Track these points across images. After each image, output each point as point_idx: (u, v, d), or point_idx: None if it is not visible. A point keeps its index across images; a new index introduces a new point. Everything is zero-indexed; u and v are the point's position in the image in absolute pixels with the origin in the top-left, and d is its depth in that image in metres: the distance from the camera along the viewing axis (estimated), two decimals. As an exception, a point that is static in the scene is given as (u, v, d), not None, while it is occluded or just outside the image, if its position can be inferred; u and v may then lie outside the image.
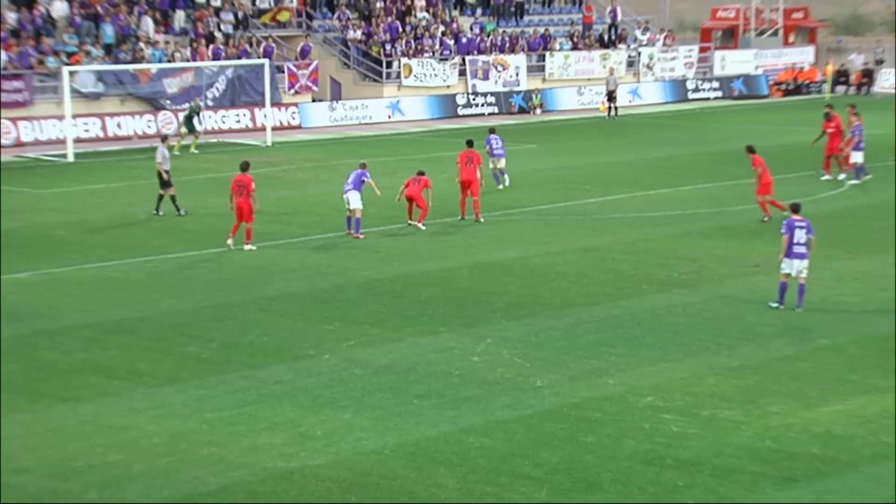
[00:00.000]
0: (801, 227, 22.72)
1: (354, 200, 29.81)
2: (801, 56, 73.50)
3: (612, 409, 17.59)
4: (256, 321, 22.21)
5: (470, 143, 33.14)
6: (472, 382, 18.77)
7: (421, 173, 31.52)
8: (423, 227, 30.71)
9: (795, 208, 23.21)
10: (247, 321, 22.22)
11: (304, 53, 55.72)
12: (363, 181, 30.19)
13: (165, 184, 32.42)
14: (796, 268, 22.72)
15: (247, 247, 28.21)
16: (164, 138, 34.35)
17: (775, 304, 23.03)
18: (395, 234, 30.17)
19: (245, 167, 28.61)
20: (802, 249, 22.65)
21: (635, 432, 16.65)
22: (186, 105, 48.99)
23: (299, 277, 25.66)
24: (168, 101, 50.16)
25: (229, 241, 28.26)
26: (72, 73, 45.31)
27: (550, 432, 16.68)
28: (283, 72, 54.17)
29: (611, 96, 57.93)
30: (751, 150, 32.40)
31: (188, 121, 45.09)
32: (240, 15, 56.28)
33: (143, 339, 21.12)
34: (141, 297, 23.99)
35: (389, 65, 57.71)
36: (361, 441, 16.33)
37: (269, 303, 23.53)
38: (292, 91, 54.47)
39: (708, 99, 65.76)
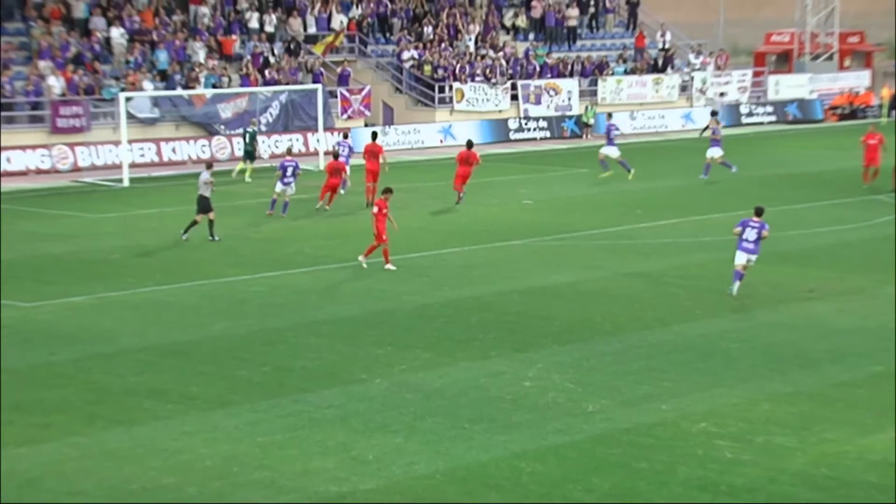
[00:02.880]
0: (754, 228, 25.90)
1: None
2: (857, 80, 72.97)
3: (664, 434, 17.49)
4: (308, 345, 22.28)
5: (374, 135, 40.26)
6: (524, 407, 18.73)
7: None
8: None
9: (758, 211, 26.16)
10: (298, 345, 22.28)
11: (344, 79, 55.79)
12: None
13: (206, 209, 32.36)
14: (743, 259, 25.88)
15: (386, 266, 28.52)
16: (209, 165, 34.19)
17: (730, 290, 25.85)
18: (445, 259, 30.20)
19: (384, 191, 28.90)
20: (751, 246, 25.91)
21: (688, 458, 16.53)
22: (241, 129, 49.42)
23: (350, 301, 25.73)
24: (222, 126, 50.56)
25: (363, 261, 28.71)
26: (128, 99, 45.81)
27: (602, 458, 16.60)
28: (336, 97, 54.46)
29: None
30: (469, 144, 39.17)
31: (250, 144, 44.99)
32: (292, 44, 56.68)
33: (195, 363, 21.23)
34: (194, 321, 24.13)
35: (441, 89, 57.90)
36: (413, 466, 16.31)
37: (321, 327, 23.60)
38: (345, 116, 54.73)
39: (762, 123, 65.40)
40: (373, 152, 38.43)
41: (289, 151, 37.46)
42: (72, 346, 22.29)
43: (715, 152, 43.98)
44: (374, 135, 40.93)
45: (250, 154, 44.55)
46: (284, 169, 35.81)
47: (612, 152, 44.00)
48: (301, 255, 30.54)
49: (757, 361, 21.18)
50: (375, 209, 28.78)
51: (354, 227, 34.64)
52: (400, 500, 15.21)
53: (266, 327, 23.55)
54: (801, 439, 17.31)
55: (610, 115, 47.04)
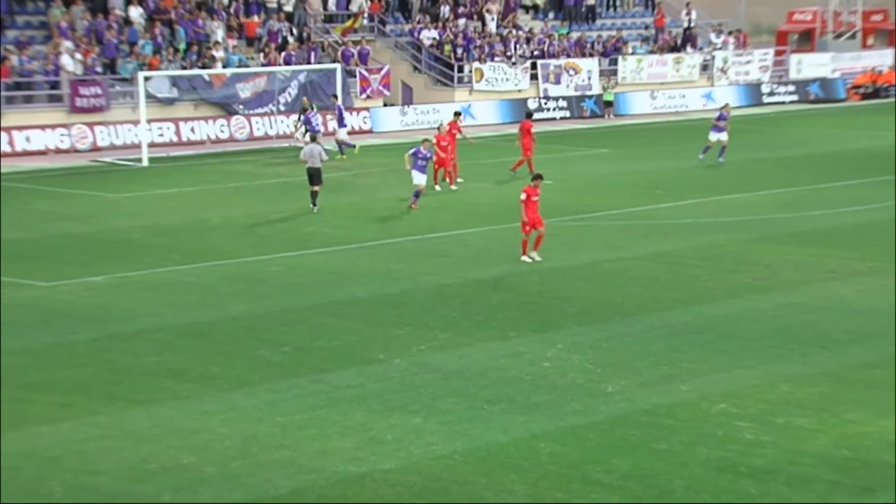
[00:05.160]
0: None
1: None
2: (880, 59, 72.36)
3: (684, 415, 17.42)
4: (327, 325, 22.23)
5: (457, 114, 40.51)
6: (543, 388, 18.68)
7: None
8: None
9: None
10: (317, 325, 22.23)
11: (363, 56, 55.59)
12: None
13: (319, 180, 33.33)
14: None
15: (533, 254, 27.23)
16: (314, 138, 35.41)
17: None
18: (464, 239, 30.12)
19: (534, 177, 27.82)
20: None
21: (708, 439, 16.46)
22: (260, 109, 49.63)
23: (369, 282, 25.65)
24: (241, 106, 50.44)
25: (524, 258, 27.23)
26: (147, 79, 45.72)
27: (622, 438, 16.55)
28: (355, 76, 54.30)
29: None
30: (528, 114, 42.15)
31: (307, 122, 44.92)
32: (311, 20, 56.51)
33: (214, 343, 21.23)
34: (213, 301, 24.09)
35: (461, 69, 57.67)
36: (431, 446, 16.28)
37: (340, 307, 23.54)
38: (364, 96, 54.57)
39: (783, 103, 64.94)
40: (452, 132, 38.37)
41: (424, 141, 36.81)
42: (91, 326, 22.27)
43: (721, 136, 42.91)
44: (458, 114, 40.65)
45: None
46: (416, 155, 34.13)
47: (341, 134, 44.67)
48: (320, 236, 30.46)
49: (777, 342, 21.07)
50: (524, 196, 27.01)
51: (374, 207, 34.56)
52: (418, 480, 15.18)
53: (285, 307, 23.50)
54: (822, 420, 17.21)
55: (335, 97, 46.52)
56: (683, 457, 15.87)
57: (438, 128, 38.64)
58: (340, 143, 44.74)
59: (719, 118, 42.75)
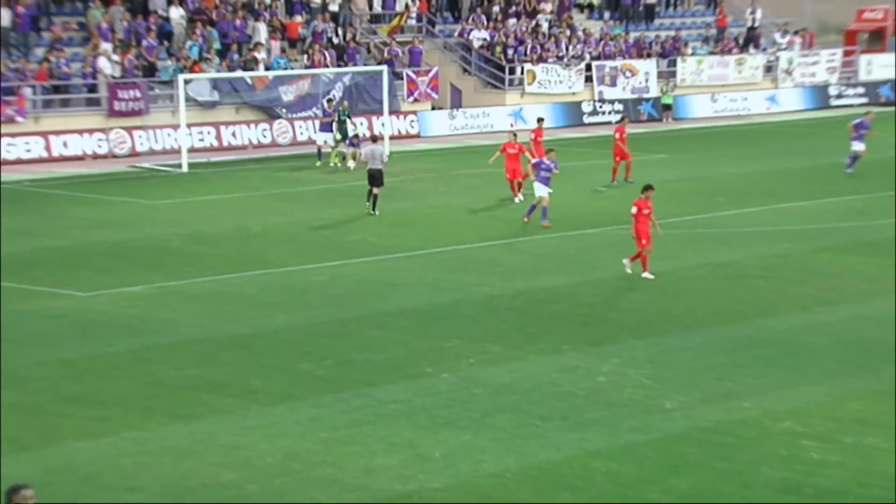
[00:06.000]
0: None
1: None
2: (957, 59, 70.77)
3: (746, 433, 17.13)
4: (373, 338, 22.00)
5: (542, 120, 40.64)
6: (598, 404, 18.42)
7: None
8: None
9: None
10: (363, 338, 22.00)
11: (415, 56, 55.05)
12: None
13: (380, 182, 33.52)
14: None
15: (647, 274, 26.25)
16: (375, 139, 35.42)
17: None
18: (516, 248, 29.65)
19: (644, 189, 26.72)
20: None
21: (772, 459, 16.16)
22: (304, 113, 49.07)
23: (417, 292, 25.36)
24: (284, 110, 50.05)
25: (646, 274, 26.25)
26: (187, 81, 45.30)
27: (681, 457, 16.28)
28: (402, 79, 53.77)
29: None
30: (622, 119, 42.41)
31: (342, 126, 44.40)
32: (357, 21, 56.08)
33: (256, 356, 21.03)
34: (254, 312, 23.86)
35: (512, 71, 57.07)
36: (481, 464, 16.08)
37: (386, 319, 23.30)
38: (411, 98, 54.02)
39: (852, 106, 63.45)
40: (537, 140, 37.93)
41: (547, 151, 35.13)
42: (129, 337, 22.11)
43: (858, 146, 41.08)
44: (541, 120, 40.42)
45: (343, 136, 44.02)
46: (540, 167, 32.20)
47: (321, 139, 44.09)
48: (364, 244, 30.19)
49: (845, 357, 20.72)
50: (634, 209, 26.05)
51: (420, 216, 34.27)
52: (468, 499, 15.00)
53: (329, 319, 23.31)
54: (893, 440, 16.77)
55: (329, 101, 45.90)
56: (746, 477, 15.60)
57: (514, 134, 37.10)
58: (321, 149, 44.09)
59: (860, 126, 41.37)
